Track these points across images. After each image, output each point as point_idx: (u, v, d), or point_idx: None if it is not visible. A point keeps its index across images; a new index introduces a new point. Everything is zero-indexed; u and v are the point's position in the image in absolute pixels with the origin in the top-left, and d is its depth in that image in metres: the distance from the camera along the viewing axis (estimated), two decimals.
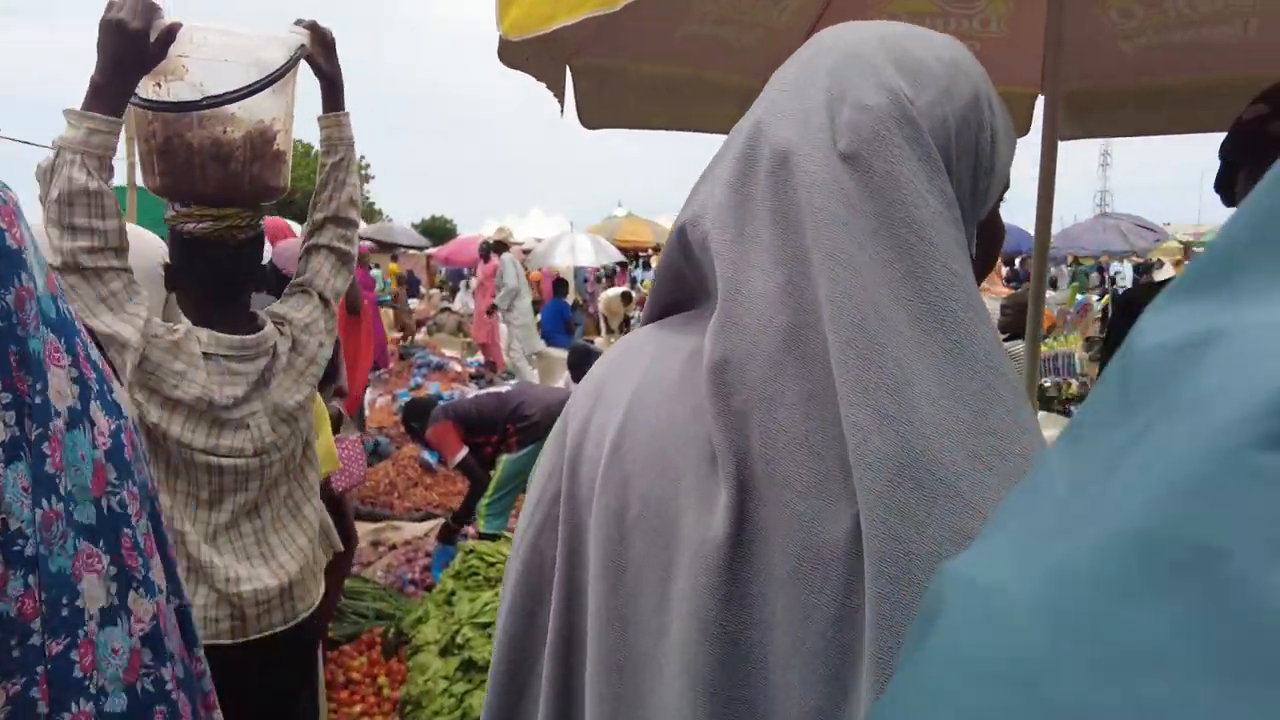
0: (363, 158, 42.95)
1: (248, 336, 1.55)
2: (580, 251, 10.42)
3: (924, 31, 0.67)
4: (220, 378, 1.48)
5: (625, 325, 13.84)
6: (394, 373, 8.69)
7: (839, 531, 0.54)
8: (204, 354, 1.46)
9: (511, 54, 1.76)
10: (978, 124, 0.63)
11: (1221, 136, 1.46)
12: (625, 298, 12.83)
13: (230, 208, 1.58)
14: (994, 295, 5.40)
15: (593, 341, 11.45)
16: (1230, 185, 1.43)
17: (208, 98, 1.55)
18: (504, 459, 3.64)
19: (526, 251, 12.59)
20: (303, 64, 1.70)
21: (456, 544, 3.74)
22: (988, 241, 0.71)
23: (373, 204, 43.08)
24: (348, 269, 1.78)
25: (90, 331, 1.12)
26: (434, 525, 4.51)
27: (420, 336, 12.06)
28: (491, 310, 9.06)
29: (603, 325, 12.77)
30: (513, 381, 7.20)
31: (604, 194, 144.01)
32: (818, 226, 0.57)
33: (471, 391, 8.11)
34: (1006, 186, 0.70)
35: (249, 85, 1.56)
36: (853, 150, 0.58)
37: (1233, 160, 1.43)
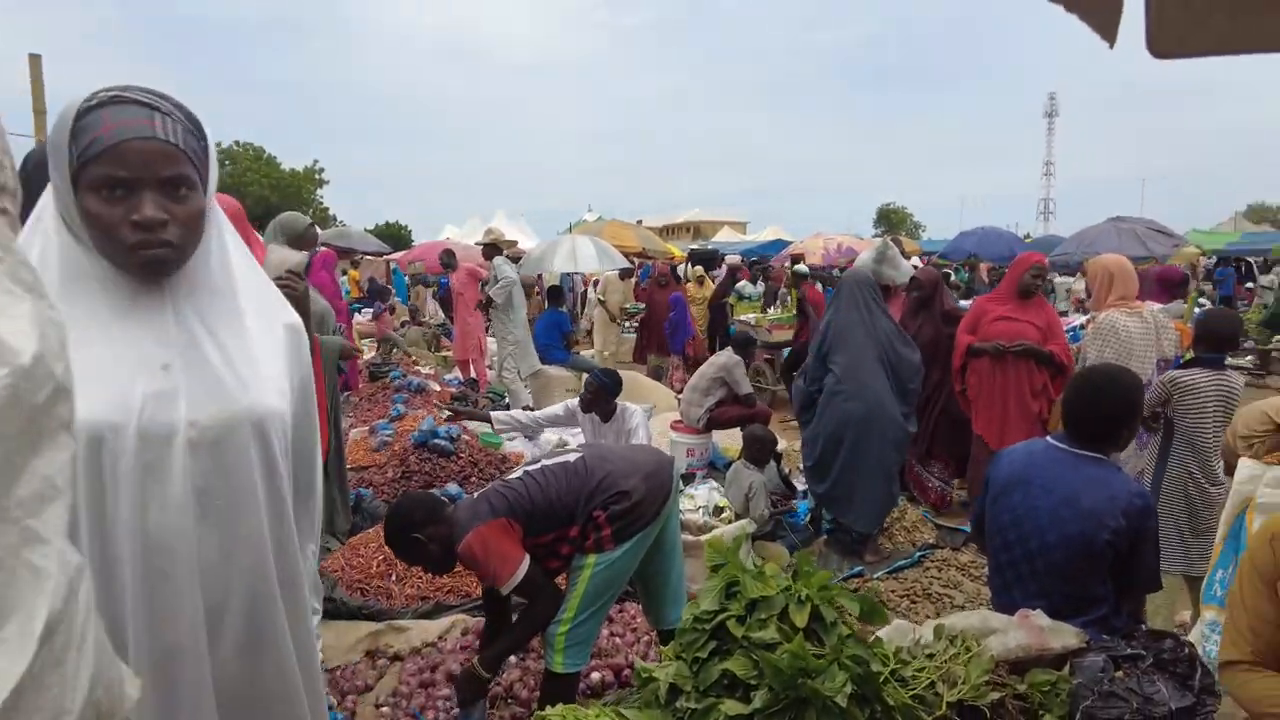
0: (316, 162, 41.67)
1: None
2: (582, 256, 9.17)
3: None
4: None
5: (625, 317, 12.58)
6: (365, 396, 7.38)
7: None
8: None
9: None
10: None
11: None
12: (625, 274, 11.63)
13: None
14: (1131, 310, 4.32)
15: (579, 354, 10.28)
16: None
17: None
18: (591, 563, 2.41)
19: (516, 259, 11.34)
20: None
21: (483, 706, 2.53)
22: None
23: (327, 209, 41.25)
24: None
25: None
26: (453, 623, 3.30)
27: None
28: (488, 304, 7.88)
29: (597, 337, 11.57)
30: (557, 436, 5.83)
31: (565, 199, 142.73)
32: None
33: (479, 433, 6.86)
34: None
35: None
36: None
37: None
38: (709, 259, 13.32)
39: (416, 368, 9.13)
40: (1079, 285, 13.68)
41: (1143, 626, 2.15)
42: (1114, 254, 4.72)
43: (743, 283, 11.51)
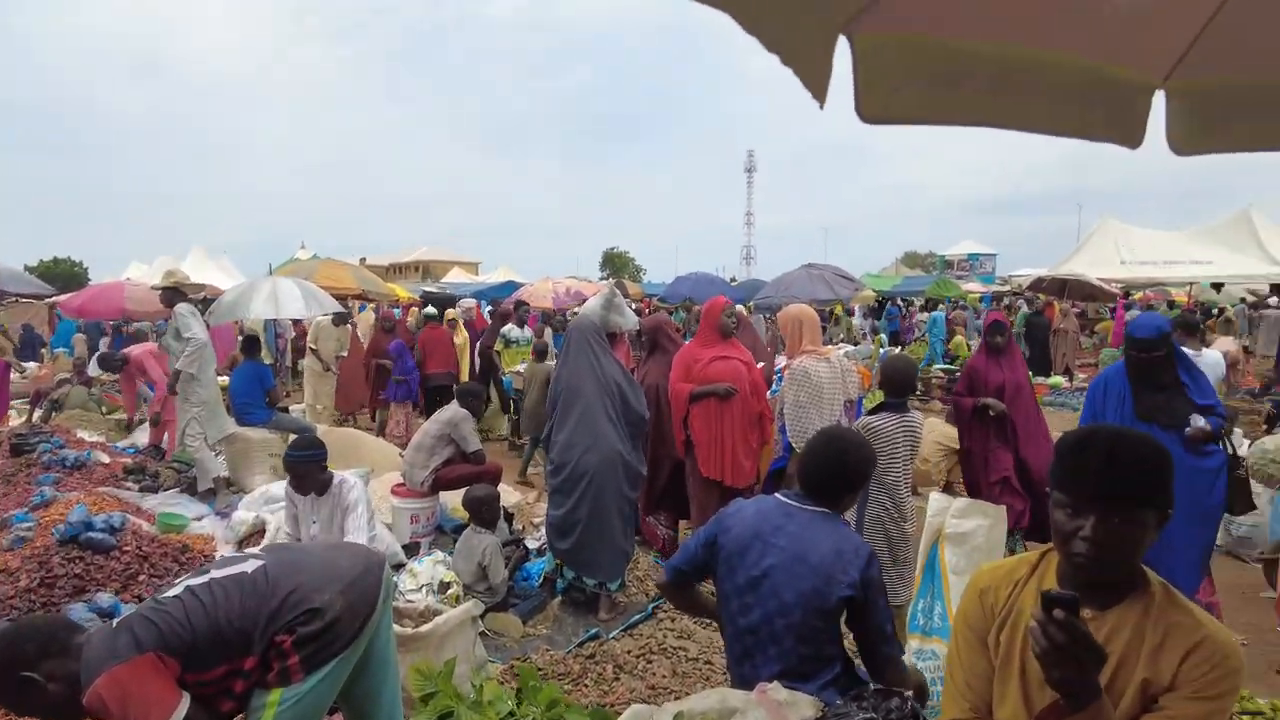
0: None
1: None
2: (286, 300, 8.19)
3: None
4: None
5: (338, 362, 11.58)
6: (2, 478, 5.96)
7: None
8: None
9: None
10: None
11: None
12: (339, 319, 10.60)
13: None
14: (820, 356, 4.66)
15: (287, 410, 9.23)
16: None
17: None
18: (274, 701, 1.91)
19: (206, 301, 9.96)
20: None
21: None
22: None
23: None
24: None
25: None
26: None
27: (35, 418, 8.87)
28: (174, 381, 6.59)
29: (308, 389, 10.51)
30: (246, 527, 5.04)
31: (277, 234, 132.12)
32: None
33: (152, 530, 5.74)
34: None
35: None
36: None
37: None
38: (446, 302, 12.69)
39: (79, 436, 7.63)
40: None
41: (869, 686, 2.16)
42: (799, 304, 5.09)
43: (509, 326, 10.29)
